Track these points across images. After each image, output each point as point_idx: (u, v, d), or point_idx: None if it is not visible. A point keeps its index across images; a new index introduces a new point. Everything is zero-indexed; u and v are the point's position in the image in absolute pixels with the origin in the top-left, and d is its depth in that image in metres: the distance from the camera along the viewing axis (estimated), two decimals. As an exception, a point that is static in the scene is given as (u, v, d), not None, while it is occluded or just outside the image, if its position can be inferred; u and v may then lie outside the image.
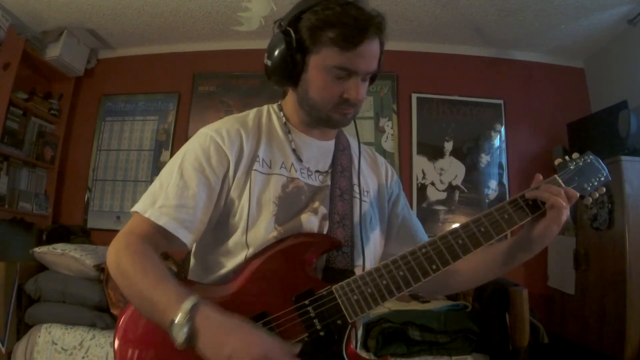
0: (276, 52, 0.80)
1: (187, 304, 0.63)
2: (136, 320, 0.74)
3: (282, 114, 0.90)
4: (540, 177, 0.78)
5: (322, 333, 0.70)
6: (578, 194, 0.75)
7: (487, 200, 2.99)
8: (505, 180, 3.04)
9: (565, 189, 0.74)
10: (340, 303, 0.71)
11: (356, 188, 0.89)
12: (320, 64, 0.78)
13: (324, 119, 0.84)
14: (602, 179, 0.80)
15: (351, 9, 0.75)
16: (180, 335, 0.61)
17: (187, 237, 0.75)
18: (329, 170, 0.88)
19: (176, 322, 0.61)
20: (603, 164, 0.82)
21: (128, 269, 0.70)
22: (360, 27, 0.74)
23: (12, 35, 2.70)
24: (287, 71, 0.80)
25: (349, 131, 0.97)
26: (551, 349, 2.21)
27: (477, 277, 0.90)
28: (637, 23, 2.63)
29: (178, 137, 3.20)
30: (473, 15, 2.78)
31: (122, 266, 0.70)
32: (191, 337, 0.61)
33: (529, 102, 3.13)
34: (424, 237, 0.98)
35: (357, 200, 0.87)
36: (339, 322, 0.71)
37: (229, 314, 0.65)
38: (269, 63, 0.82)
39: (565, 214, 0.72)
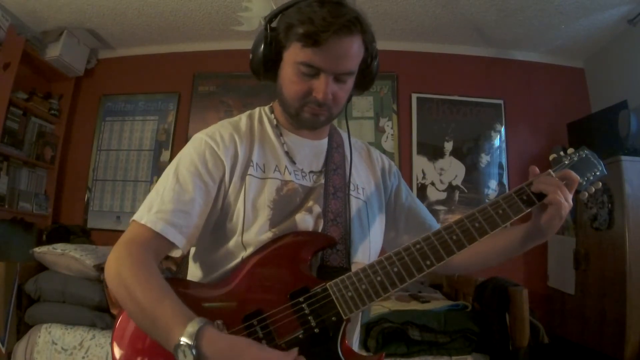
0: (255, 46, 0.83)
1: (192, 327, 0.61)
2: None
3: (273, 116, 0.91)
4: (537, 170, 0.78)
5: (316, 330, 0.70)
6: (579, 178, 0.75)
7: (487, 200, 2.99)
8: (505, 180, 3.04)
9: (565, 172, 0.75)
10: (334, 300, 0.71)
11: (351, 185, 0.89)
12: (290, 59, 0.79)
13: (294, 116, 0.84)
14: (598, 173, 0.79)
15: (326, 8, 0.74)
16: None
17: (182, 242, 0.75)
18: (322, 170, 0.88)
19: (182, 345, 0.60)
20: (599, 159, 0.81)
21: (130, 281, 0.67)
22: (325, 25, 0.72)
23: (12, 35, 2.70)
24: (263, 65, 0.82)
25: (344, 129, 0.97)
26: (551, 349, 2.21)
27: (491, 260, 0.91)
28: (637, 23, 2.63)
29: (178, 137, 3.20)
30: (473, 15, 2.78)
31: (123, 277, 0.68)
32: None
33: (529, 102, 3.13)
34: (432, 222, 1.00)
35: (352, 198, 0.87)
36: (333, 318, 0.71)
37: (234, 336, 0.64)
38: (251, 56, 0.84)
39: (567, 206, 0.73)
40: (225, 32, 3.08)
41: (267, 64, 0.81)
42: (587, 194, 0.79)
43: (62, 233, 2.73)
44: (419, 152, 3.08)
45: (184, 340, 0.60)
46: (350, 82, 0.82)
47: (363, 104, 3.12)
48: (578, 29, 2.83)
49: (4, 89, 2.64)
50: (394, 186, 1.00)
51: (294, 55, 0.77)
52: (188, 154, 0.81)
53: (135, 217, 0.76)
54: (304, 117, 0.82)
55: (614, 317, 2.18)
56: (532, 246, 0.82)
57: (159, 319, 0.64)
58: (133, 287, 0.67)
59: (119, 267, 0.69)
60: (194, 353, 0.59)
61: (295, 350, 0.65)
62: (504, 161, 3.06)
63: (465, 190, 3.01)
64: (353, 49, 0.77)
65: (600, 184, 0.80)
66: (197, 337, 0.60)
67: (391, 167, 1.02)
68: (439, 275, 2.61)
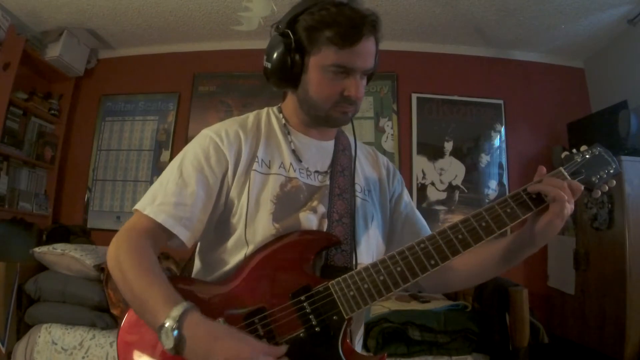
0: (275, 55, 0.82)
1: (177, 310, 0.63)
2: (139, 320, 0.75)
3: (281, 115, 0.92)
4: (544, 169, 0.76)
5: (317, 329, 0.70)
6: (582, 187, 0.72)
7: (487, 200, 2.99)
8: (505, 180, 3.04)
9: (569, 182, 0.71)
10: (336, 299, 0.71)
11: (357, 187, 0.89)
12: (319, 63, 0.79)
13: (323, 117, 0.84)
14: (612, 171, 0.77)
15: (345, 9, 0.77)
16: (168, 341, 0.62)
17: (185, 235, 0.76)
18: (329, 170, 0.89)
19: (165, 327, 0.62)
20: (613, 156, 0.78)
21: (125, 264, 0.71)
22: (356, 26, 0.75)
23: (12, 35, 2.70)
24: (287, 73, 0.82)
25: (349, 131, 0.98)
26: (551, 349, 2.21)
27: (477, 275, 0.86)
28: (637, 23, 2.63)
29: (178, 137, 3.20)
30: (473, 15, 2.78)
31: (120, 261, 0.71)
32: (179, 344, 0.62)
33: (529, 102, 3.13)
34: (428, 234, 0.98)
35: (358, 199, 0.88)
36: (334, 317, 0.71)
37: (216, 323, 0.65)
38: (269, 65, 0.84)
39: (569, 208, 0.69)
40: (225, 32, 3.08)
41: (288, 71, 0.81)
42: (600, 192, 0.76)
43: (62, 233, 2.73)
44: (419, 152, 3.08)
45: (168, 322, 0.62)
46: None
47: (363, 104, 3.07)
48: (578, 29, 2.83)
49: (4, 89, 2.64)
50: (397, 192, 1.00)
51: (323, 58, 0.78)
52: (193, 149, 0.83)
53: (138, 206, 0.78)
54: (334, 117, 0.84)
55: (614, 317, 2.18)
56: (520, 259, 0.77)
57: (148, 303, 0.66)
58: (127, 271, 0.70)
59: (117, 251, 0.73)
60: (175, 335, 0.61)
61: (281, 348, 0.66)
62: (504, 161, 3.06)
63: (465, 190, 3.01)
64: (374, 47, 0.81)
65: (615, 181, 0.77)
66: (179, 319, 0.62)
67: (396, 173, 1.03)
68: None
